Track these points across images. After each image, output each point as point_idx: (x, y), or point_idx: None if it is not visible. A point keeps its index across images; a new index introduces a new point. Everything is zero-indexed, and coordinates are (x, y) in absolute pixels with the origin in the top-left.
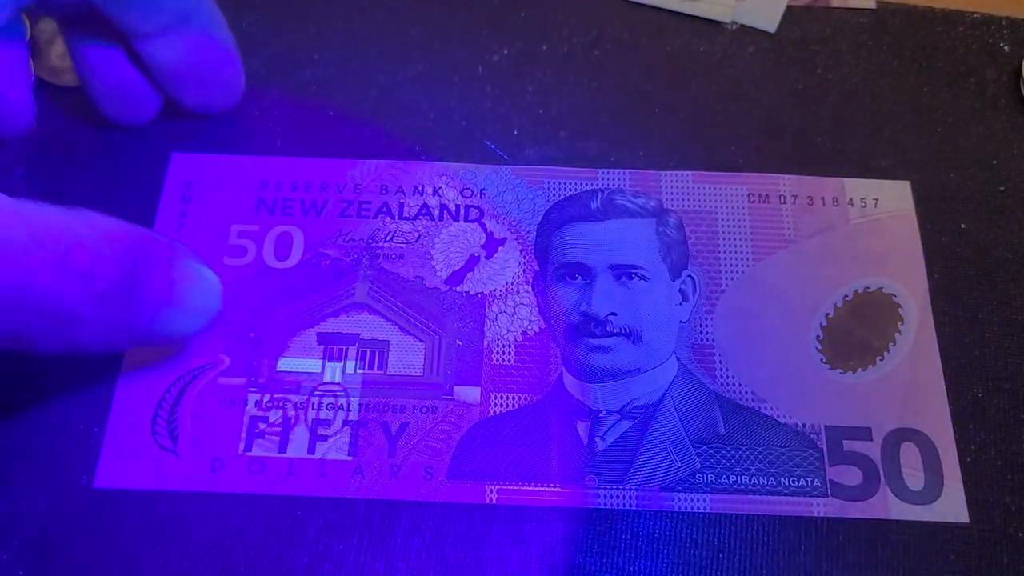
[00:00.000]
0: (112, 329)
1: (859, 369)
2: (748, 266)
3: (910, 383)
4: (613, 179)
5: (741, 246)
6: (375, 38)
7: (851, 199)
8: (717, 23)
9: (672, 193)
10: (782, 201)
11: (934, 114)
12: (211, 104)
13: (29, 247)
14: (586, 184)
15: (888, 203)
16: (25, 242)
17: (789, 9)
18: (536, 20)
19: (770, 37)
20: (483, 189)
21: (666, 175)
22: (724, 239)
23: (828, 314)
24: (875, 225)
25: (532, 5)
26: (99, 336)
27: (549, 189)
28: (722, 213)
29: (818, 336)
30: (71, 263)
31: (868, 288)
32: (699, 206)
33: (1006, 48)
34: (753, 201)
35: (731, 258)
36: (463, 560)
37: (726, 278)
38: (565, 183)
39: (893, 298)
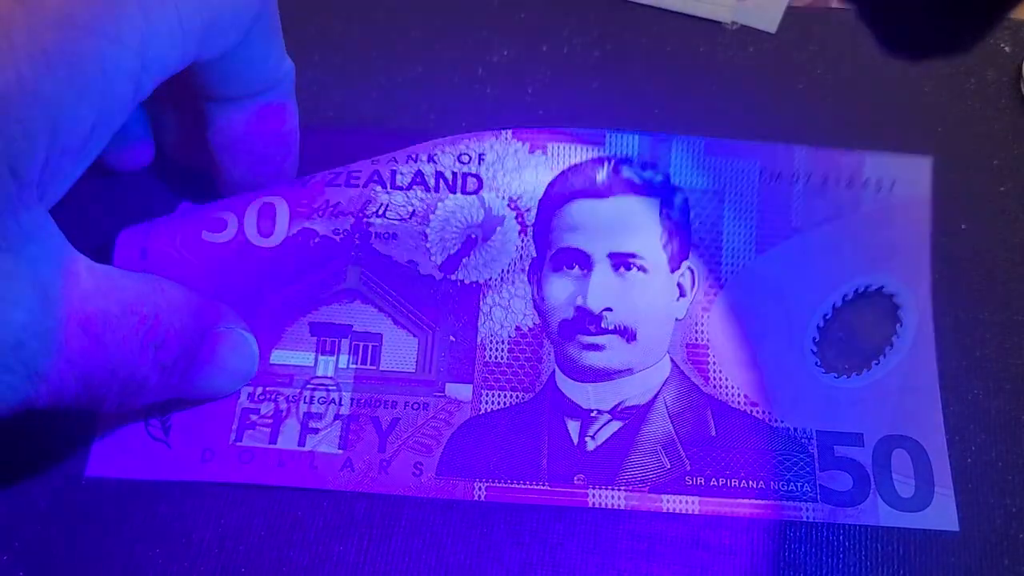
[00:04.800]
0: (165, 392)
1: (853, 374)
2: (750, 258)
3: (904, 389)
4: (621, 144)
5: (745, 235)
6: (375, 39)
7: (867, 179)
8: (717, 23)
9: (682, 163)
10: (794, 180)
11: (934, 114)
12: (260, 178)
13: (120, 321)
14: (593, 151)
15: (904, 186)
16: (117, 316)
17: (789, 9)
18: (536, 20)
19: (770, 37)
20: (481, 154)
21: (678, 140)
22: (729, 225)
23: (826, 315)
24: (887, 213)
25: (532, 5)
26: (152, 398)
27: (553, 156)
28: (730, 194)
29: (814, 338)
30: (150, 336)
31: (869, 287)
32: (707, 184)
33: (1006, 48)
34: (764, 179)
35: (734, 249)
36: (463, 562)
37: (726, 272)
38: (570, 149)
39: (893, 299)
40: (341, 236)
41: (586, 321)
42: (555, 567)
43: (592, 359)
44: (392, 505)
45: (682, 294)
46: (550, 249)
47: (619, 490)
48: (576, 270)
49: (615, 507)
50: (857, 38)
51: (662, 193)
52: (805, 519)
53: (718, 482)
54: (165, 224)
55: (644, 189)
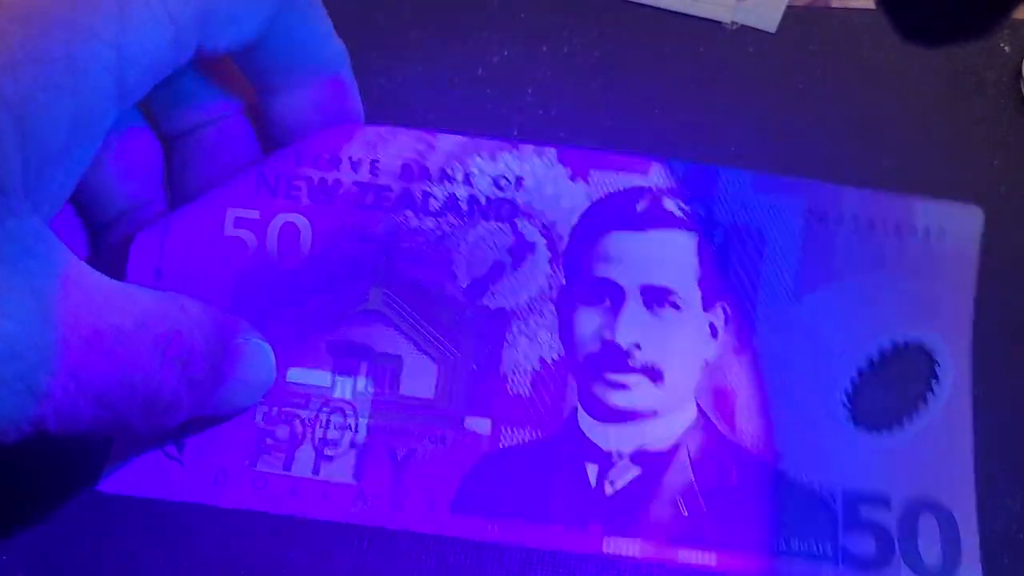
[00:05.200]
0: (194, 410)
1: (884, 431)
2: (788, 302)
3: (936, 451)
4: (667, 173)
5: (784, 278)
6: (375, 39)
7: (916, 226)
8: (717, 23)
9: (726, 197)
10: (840, 222)
11: (934, 114)
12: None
13: (135, 336)
14: (636, 179)
15: (953, 236)
16: (132, 330)
17: (789, 9)
18: (536, 20)
19: (770, 37)
20: (520, 178)
21: (724, 172)
22: (768, 266)
23: (861, 368)
24: (933, 264)
25: (532, 5)
26: (183, 417)
27: (593, 184)
28: (772, 233)
29: (847, 391)
30: (172, 351)
31: (908, 342)
32: (750, 221)
33: (1006, 48)
34: (810, 220)
35: (772, 291)
36: (463, 562)
37: (762, 314)
38: (613, 177)
39: (931, 355)
40: (366, 255)
41: (613, 357)
42: (555, 567)
43: (616, 399)
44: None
45: (714, 335)
46: (581, 279)
47: (635, 539)
48: (606, 303)
49: (630, 555)
50: (857, 38)
51: (703, 228)
52: None
53: (737, 536)
54: (180, 241)
55: (685, 223)
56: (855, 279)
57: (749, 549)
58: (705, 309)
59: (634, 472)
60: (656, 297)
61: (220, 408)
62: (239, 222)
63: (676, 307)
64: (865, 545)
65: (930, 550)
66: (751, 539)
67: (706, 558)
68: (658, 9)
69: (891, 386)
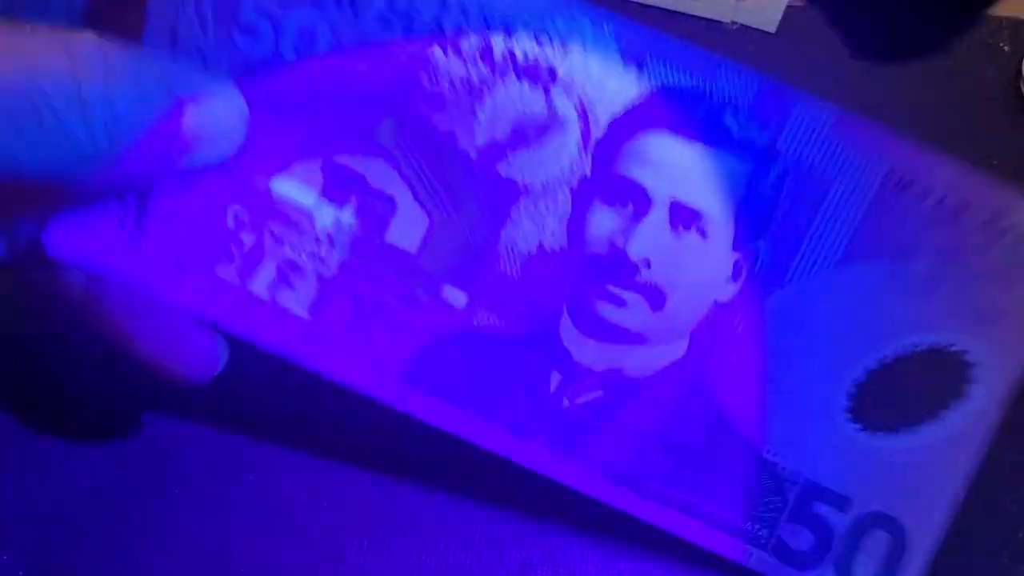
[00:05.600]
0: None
1: (879, 434)
2: (829, 266)
3: (925, 472)
4: (737, 83)
5: (835, 238)
6: None
7: (1006, 228)
8: (717, 23)
9: (798, 129)
10: (924, 197)
11: (933, 114)
12: None
13: None
14: (698, 80)
15: None
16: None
17: (789, 9)
18: None
19: (770, 37)
20: (565, 40)
21: (804, 101)
22: (822, 221)
23: (884, 359)
24: (1010, 274)
25: None
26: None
27: (649, 72)
28: (839, 186)
29: (857, 381)
30: (79, 72)
31: (948, 348)
32: (818, 164)
33: (1006, 48)
34: (888, 183)
35: (816, 248)
36: (463, 562)
37: (797, 270)
38: (671, 70)
39: (971, 369)
40: (384, 83)
41: (618, 266)
42: (555, 567)
43: (608, 312)
44: (393, 501)
45: (734, 277)
46: (608, 175)
47: (571, 462)
48: (629, 208)
49: (560, 480)
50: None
51: (760, 157)
52: (749, 564)
53: (676, 494)
54: (195, 10)
55: (742, 146)
56: (913, 264)
57: (681, 510)
58: (735, 247)
59: (596, 393)
60: (684, 217)
61: (189, 160)
62: (259, 7)
63: (703, 234)
64: (801, 540)
65: (866, 567)
66: (690, 500)
67: (636, 506)
68: (658, 9)
69: (909, 389)
